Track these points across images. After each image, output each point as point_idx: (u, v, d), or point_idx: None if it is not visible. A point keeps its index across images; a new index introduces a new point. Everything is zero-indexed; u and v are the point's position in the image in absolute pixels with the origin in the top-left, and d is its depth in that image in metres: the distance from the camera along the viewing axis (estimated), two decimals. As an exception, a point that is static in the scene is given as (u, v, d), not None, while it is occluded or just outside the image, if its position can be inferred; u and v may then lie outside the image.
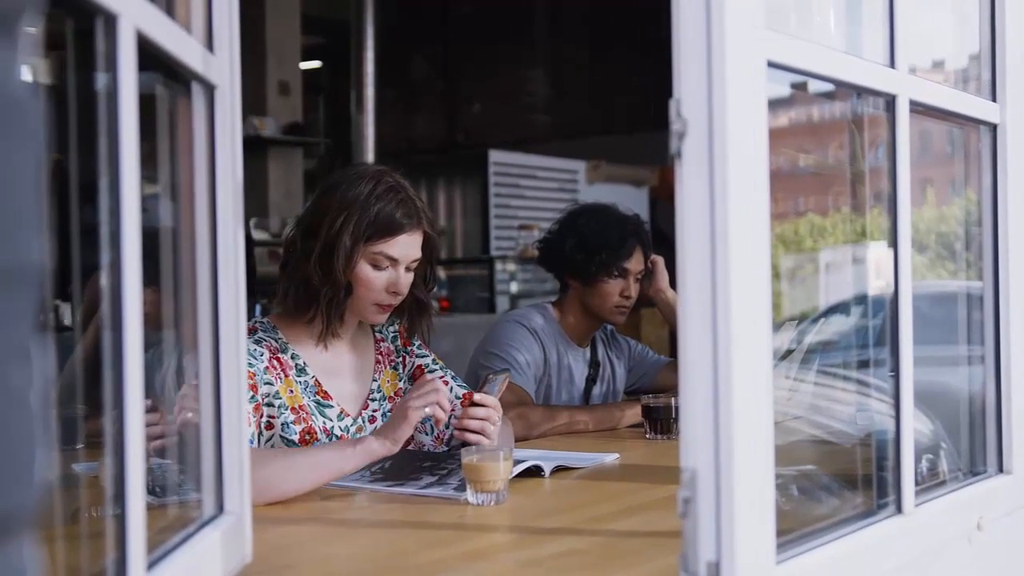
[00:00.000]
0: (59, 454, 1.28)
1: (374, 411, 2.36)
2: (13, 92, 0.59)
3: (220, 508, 1.39)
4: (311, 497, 1.98)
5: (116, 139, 1.02)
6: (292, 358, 2.27)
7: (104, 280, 1.03)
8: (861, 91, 1.58)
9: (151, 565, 1.11)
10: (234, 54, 1.42)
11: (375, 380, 2.39)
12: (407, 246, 2.25)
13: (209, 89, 1.37)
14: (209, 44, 1.37)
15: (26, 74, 0.61)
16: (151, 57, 1.13)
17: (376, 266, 2.23)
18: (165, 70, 1.27)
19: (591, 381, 3.19)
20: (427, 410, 2.01)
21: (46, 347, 0.63)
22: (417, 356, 2.48)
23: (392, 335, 2.47)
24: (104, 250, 1.03)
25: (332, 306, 2.23)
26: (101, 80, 1.04)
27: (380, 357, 2.43)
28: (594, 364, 3.20)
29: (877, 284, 1.93)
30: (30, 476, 0.60)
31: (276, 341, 2.26)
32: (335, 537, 1.77)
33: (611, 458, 2.39)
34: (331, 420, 2.26)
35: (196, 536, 1.29)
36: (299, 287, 2.24)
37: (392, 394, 2.41)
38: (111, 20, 1.01)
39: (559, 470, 2.22)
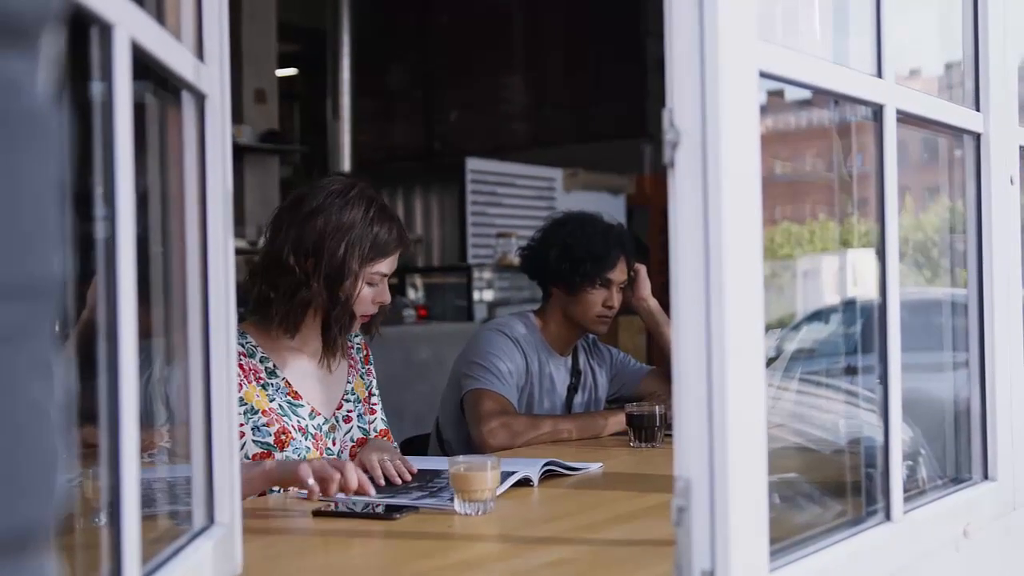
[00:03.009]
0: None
1: (348, 411, 2.44)
2: (34, 105, 0.58)
3: (211, 519, 1.38)
4: (300, 509, 1.97)
5: (111, 147, 1.02)
6: (261, 361, 2.32)
7: (99, 289, 1.02)
8: (850, 100, 1.59)
9: (144, 577, 1.10)
10: (224, 63, 1.41)
11: (349, 382, 2.47)
12: (395, 261, 2.38)
13: (200, 98, 1.36)
14: (200, 54, 1.36)
15: (47, 86, 0.61)
16: (142, 66, 1.13)
17: (370, 284, 2.34)
18: (155, 79, 1.26)
19: (573, 390, 3.18)
20: (311, 481, 1.93)
21: (64, 360, 0.63)
22: (373, 377, 2.57)
23: (357, 346, 2.55)
24: (99, 259, 1.02)
25: (343, 329, 2.34)
26: (95, 88, 1.03)
27: (352, 361, 2.51)
28: (576, 373, 3.20)
29: (856, 291, 1.94)
30: (51, 489, 0.59)
31: (243, 346, 2.28)
32: (325, 549, 1.76)
33: (595, 467, 2.39)
34: (304, 419, 2.32)
35: (188, 548, 1.28)
36: (300, 309, 2.30)
37: (362, 399, 2.50)
38: (106, 29, 1.00)
39: (548, 476, 2.22)
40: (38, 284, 0.59)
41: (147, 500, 1.42)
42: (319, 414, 2.37)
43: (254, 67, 7.63)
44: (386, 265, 2.35)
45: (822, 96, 1.62)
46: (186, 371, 1.39)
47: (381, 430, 2.50)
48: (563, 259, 3.06)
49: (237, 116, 7.36)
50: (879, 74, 1.55)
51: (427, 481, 2.16)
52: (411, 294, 7.56)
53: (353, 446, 2.41)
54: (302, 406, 2.33)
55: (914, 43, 2.07)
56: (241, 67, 7.34)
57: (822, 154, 1.97)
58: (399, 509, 1.90)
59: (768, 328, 2.25)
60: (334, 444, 2.38)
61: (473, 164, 8.17)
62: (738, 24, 1.20)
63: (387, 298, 2.38)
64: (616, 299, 3.08)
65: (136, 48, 1.07)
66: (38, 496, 0.58)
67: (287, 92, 9.49)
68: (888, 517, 1.55)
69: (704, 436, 1.18)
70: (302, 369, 2.38)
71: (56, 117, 0.61)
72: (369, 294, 2.34)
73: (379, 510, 1.92)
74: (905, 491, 1.61)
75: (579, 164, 8.62)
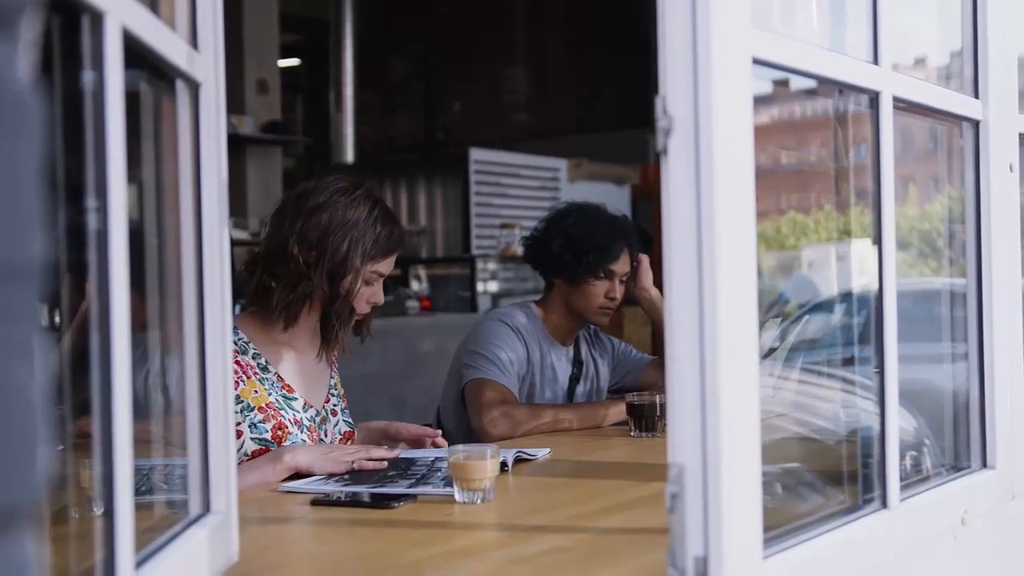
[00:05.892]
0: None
1: (334, 406, 2.50)
2: (14, 89, 0.59)
3: (207, 507, 1.38)
4: (297, 498, 1.98)
5: (103, 137, 1.02)
6: (253, 358, 2.35)
7: (91, 281, 1.02)
8: (845, 87, 1.59)
9: (139, 564, 1.10)
10: (218, 51, 1.41)
11: (332, 377, 2.53)
12: (392, 263, 2.43)
13: (194, 87, 1.36)
14: (194, 42, 1.36)
15: (26, 71, 0.61)
16: (135, 55, 1.13)
17: (367, 283, 2.37)
18: (149, 67, 1.26)
19: (575, 380, 3.19)
20: (354, 465, 2.18)
21: (46, 342, 0.63)
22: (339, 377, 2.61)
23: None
24: (90, 250, 1.02)
25: (342, 323, 2.37)
26: (86, 77, 1.03)
27: (333, 360, 2.55)
28: (577, 363, 3.21)
29: (860, 282, 1.94)
30: (33, 471, 0.60)
31: (235, 343, 2.29)
32: (322, 537, 1.77)
33: (543, 452, 2.43)
34: (298, 412, 2.36)
35: (183, 535, 1.29)
36: (300, 300, 2.33)
37: (342, 395, 2.55)
38: (97, 17, 1.00)
39: (547, 465, 2.24)
40: (18, 267, 0.59)
41: (148, 488, 1.43)
42: (311, 407, 2.41)
43: (256, 57, 7.62)
44: (384, 265, 2.38)
45: (826, 85, 1.61)
46: (182, 361, 1.39)
47: (346, 432, 2.52)
48: (566, 250, 3.06)
49: (239, 107, 7.36)
50: (875, 61, 1.55)
51: (405, 469, 2.17)
52: (414, 285, 7.56)
53: (341, 439, 2.45)
54: (296, 399, 2.37)
55: (919, 33, 2.06)
56: (243, 57, 7.33)
57: (828, 144, 1.96)
58: (397, 497, 1.91)
59: (774, 318, 2.25)
60: (326, 436, 2.42)
61: (477, 155, 8.16)
62: (731, 10, 1.20)
63: (380, 299, 2.44)
64: (618, 291, 3.08)
65: (128, 36, 1.07)
66: (17, 476, 0.59)
67: (290, 83, 9.49)
68: (884, 505, 1.55)
69: (697, 422, 1.18)
70: (291, 364, 2.41)
71: (36, 102, 0.61)
72: (365, 293, 2.37)
73: (377, 499, 1.92)
74: (906, 480, 1.61)
75: (583, 154, 8.61)
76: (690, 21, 1.18)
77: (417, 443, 2.49)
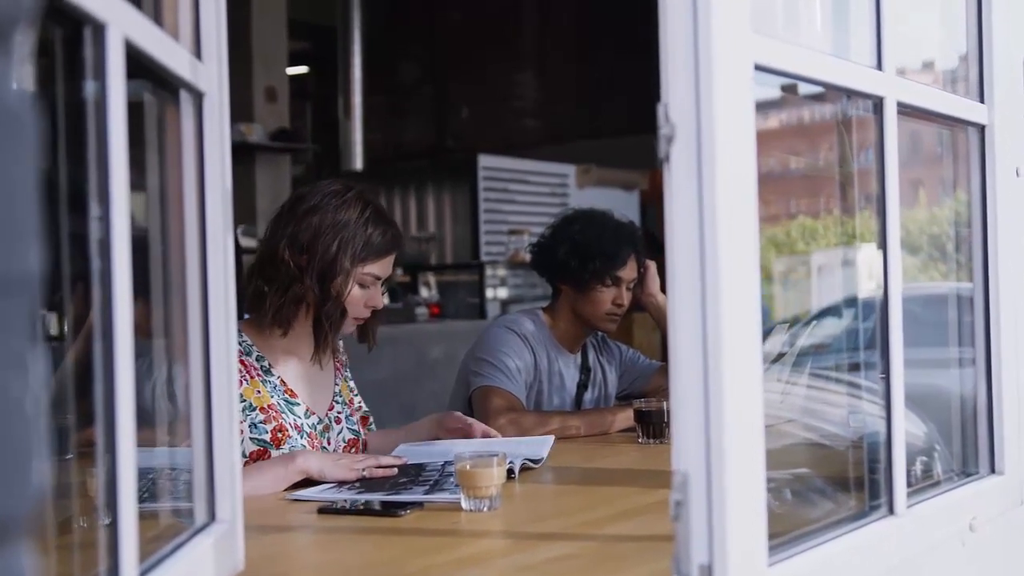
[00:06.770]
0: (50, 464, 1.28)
1: (338, 413, 2.49)
2: (8, 102, 0.59)
3: (212, 516, 1.39)
4: (303, 507, 1.97)
5: (105, 147, 1.02)
6: (257, 360, 2.35)
7: (94, 290, 1.03)
8: (849, 93, 1.59)
9: (143, 574, 1.11)
10: (222, 61, 1.42)
11: (336, 384, 2.52)
12: (390, 265, 2.41)
13: (197, 97, 1.36)
14: (197, 52, 1.37)
15: (21, 83, 0.61)
16: (138, 65, 1.13)
17: (362, 285, 2.37)
18: (153, 78, 1.27)
19: (582, 387, 3.18)
20: (364, 473, 2.16)
21: (41, 355, 0.63)
22: (352, 382, 2.60)
23: (340, 351, 2.61)
24: (94, 259, 1.02)
25: (333, 325, 2.36)
26: (89, 88, 1.04)
27: (338, 366, 2.55)
28: (585, 370, 3.20)
29: (869, 286, 1.94)
30: (28, 483, 0.60)
31: (240, 345, 2.30)
32: (327, 545, 1.77)
33: (548, 443, 2.46)
34: (299, 417, 2.36)
35: (188, 544, 1.29)
36: (292, 304, 2.33)
37: (347, 401, 2.54)
38: (99, 29, 1.01)
39: (525, 469, 2.25)
40: (15, 279, 0.59)
41: (153, 496, 1.43)
42: (313, 413, 2.41)
43: (264, 65, 7.61)
44: (378, 267, 2.37)
45: (831, 90, 1.61)
46: (187, 369, 1.39)
47: (350, 439, 2.52)
48: (572, 256, 3.05)
49: (247, 115, 7.35)
50: (879, 66, 1.55)
51: (416, 476, 2.17)
52: (424, 292, 7.55)
53: (345, 447, 2.45)
54: (298, 404, 2.38)
55: (926, 37, 2.06)
56: (251, 65, 7.33)
57: (836, 148, 1.96)
58: (404, 506, 1.91)
59: (782, 323, 2.24)
60: (328, 443, 2.42)
61: (485, 161, 8.16)
62: (732, 17, 1.20)
63: (379, 303, 2.42)
64: (625, 297, 3.08)
65: (130, 47, 1.07)
66: (14, 490, 0.59)
67: (298, 90, 9.49)
68: (891, 511, 1.54)
69: (700, 429, 1.18)
70: (294, 369, 2.41)
71: (30, 115, 0.61)
72: (360, 296, 2.36)
73: (384, 507, 1.92)
74: (915, 486, 1.60)
75: (592, 160, 8.60)
76: (691, 28, 1.18)
77: (465, 433, 2.50)
